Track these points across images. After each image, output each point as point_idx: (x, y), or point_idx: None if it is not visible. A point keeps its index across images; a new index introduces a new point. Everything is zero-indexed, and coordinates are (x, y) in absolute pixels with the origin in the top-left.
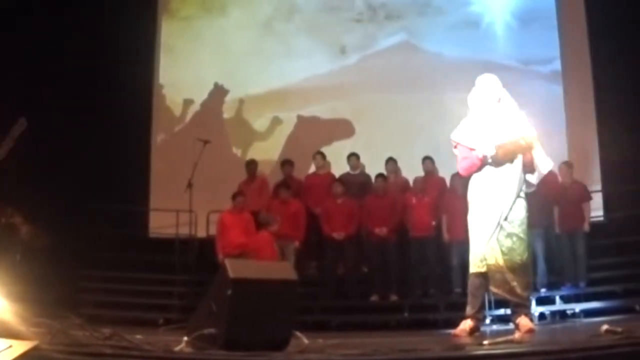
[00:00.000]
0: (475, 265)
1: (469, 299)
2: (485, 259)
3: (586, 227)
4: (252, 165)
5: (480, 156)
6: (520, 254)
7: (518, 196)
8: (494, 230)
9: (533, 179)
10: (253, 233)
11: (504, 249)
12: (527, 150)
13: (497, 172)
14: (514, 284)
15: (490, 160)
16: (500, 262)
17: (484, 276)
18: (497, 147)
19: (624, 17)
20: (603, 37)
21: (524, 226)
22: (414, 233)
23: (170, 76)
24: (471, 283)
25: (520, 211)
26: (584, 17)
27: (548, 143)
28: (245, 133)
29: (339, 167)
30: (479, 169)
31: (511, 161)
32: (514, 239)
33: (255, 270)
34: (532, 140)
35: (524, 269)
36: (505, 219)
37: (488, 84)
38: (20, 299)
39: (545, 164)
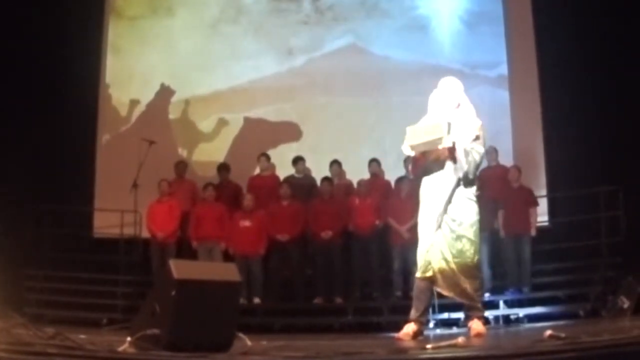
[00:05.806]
0: (422, 269)
1: (414, 302)
2: (431, 263)
3: (532, 232)
4: (181, 165)
5: (406, 154)
6: (470, 257)
7: (466, 198)
8: (439, 233)
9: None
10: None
11: (454, 251)
12: (443, 152)
13: (441, 175)
14: (465, 285)
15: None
16: (451, 265)
17: (429, 280)
18: (412, 147)
19: (571, 22)
20: (550, 42)
21: (475, 228)
22: (357, 233)
23: (117, 76)
24: (416, 286)
25: (470, 213)
26: (531, 22)
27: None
28: (191, 134)
29: (284, 169)
30: (425, 171)
31: (441, 163)
32: (464, 241)
33: (199, 271)
34: (450, 144)
35: (475, 271)
36: (454, 220)
37: (449, 87)
38: None
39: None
